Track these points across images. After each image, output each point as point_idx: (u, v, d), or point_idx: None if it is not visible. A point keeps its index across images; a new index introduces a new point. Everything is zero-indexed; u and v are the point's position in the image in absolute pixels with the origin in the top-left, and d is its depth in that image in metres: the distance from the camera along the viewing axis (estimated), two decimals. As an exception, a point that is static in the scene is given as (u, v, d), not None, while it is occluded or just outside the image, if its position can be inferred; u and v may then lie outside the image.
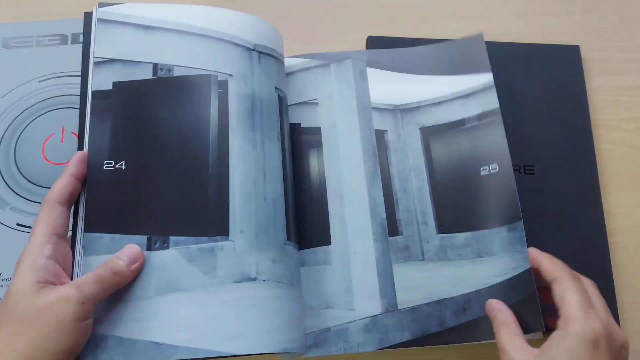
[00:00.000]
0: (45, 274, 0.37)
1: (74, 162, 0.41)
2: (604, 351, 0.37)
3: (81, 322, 0.36)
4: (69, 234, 0.41)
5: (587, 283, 0.43)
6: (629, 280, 0.53)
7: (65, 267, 0.39)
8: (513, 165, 0.54)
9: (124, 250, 0.40)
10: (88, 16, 0.45)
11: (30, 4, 0.61)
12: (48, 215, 0.39)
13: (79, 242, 0.40)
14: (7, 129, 0.54)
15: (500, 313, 0.43)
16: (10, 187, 0.52)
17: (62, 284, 0.37)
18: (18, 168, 0.52)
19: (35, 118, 0.54)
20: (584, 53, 0.61)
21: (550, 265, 0.43)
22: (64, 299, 0.35)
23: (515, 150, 0.55)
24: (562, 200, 0.54)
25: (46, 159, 0.53)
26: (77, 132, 0.43)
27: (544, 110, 0.58)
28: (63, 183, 0.40)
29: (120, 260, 0.39)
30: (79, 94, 0.43)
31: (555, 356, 0.37)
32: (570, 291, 0.40)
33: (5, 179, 0.52)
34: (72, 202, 0.41)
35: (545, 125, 0.57)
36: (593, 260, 0.52)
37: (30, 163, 0.53)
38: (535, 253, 0.45)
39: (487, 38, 0.61)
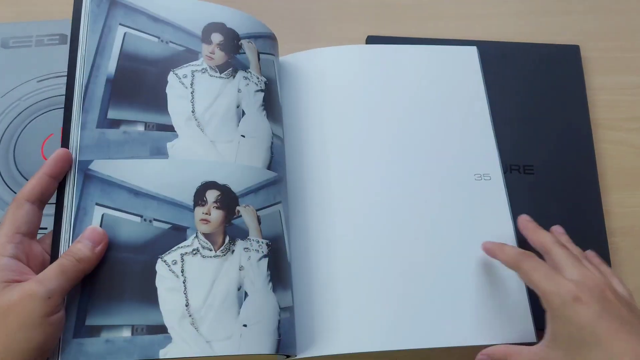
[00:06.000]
0: (8, 273, 0.36)
1: (51, 160, 0.40)
2: (590, 302, 0.39)
3: (49, 318, 0.35)
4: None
5: (548, 239, 0.45)
6: (629, 281, 0.52)
7: (30, 264, 0.38)
8: (512, 166, 0.55)
9: (85, 234, 0.38)
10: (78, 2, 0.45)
11: (30, 4, 0.61)
12: (13, 214, 0.38)
13: (63, 237, 0.40)
14: (7, 129, 0.54)
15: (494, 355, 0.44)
16: (9, 187, 0.51)
17: (27, 280, 0.36)
18: (17, 168, 0.52)
19: (35, 118, 0.54)
20: (584, 53, 0.61)
21: (505, 257, 0.45)
22: (28, 296, 0.35)
23: (515, 150, 0.56)
24: (562, 200, 0.54)
25: (45, 159, 0.52)
26: (62, 135, 0.42)
27: (543, 110, 0.58)
28: (35, 181, 0.39)
29: (82, 245, 0.38)
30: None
31: (557, 335, 0.40)
32: (532, 273, 0.42)
33: (4, 178, 0.52)
34: (43, 200, 0.40)
35: (544, 125, 0.57)
36: (593, 260, 0.52)
37: (29, 163, 0.52)
38: (487, 246, 0.47)
39: (487, 38, 0.61)
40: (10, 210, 0.39)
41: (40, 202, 0.40)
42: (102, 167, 0.41)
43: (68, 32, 0.57)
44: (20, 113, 0.54)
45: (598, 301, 0.39)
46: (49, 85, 0.55)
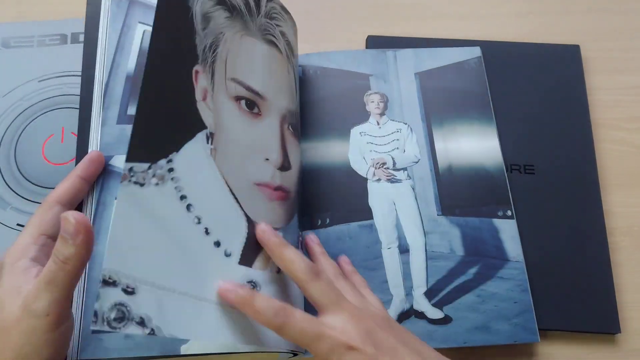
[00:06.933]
0: (22, 278, 0.34)
1: (84, 162, 0.40)
2: (363, 347, 0.35)
3: (54, 332, 0.33)
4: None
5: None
6: (629, 280, 0.53)
7: None
8: (513, 165, 0.55)
9: (63, 227, 0.33)
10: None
11: (31, 4, 0.61)
12: (42, 216, 0.38)
13: None
14: (8, 128, 0.54)
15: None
16: (10, 187, 0.52)
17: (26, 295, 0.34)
18: (18, 168, 0.52)
19: (36, 118, 0.54)
20: (584, 53, 0.61)
21: (261, 318, 0.37)
22: (26, 316, 0.33)
23: (515, 150, 0.56)
24: (562, 200, 0.54)
25: (46, 159, 0.53)
26: (77, 132, 0.42)
27: (544, 110, 0.58)
28: (67, 183, 0.39)
29: (61, 242, 0.33)
30: (79, 93, 0.43)
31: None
32: (300, 336, 0.36)
33: (5, 179, 0.52)
34: (74, 203, 0.39)
35: (545, 125, 0.57)
36: (593, 260, 0.52)
37: (30, 163, 0.53)
38: (225, 288, 0.38)
39: (487, 38, 0.61)
40: (39, 211, 0.38)
41: (70, 205, 0.39)
42: (122, 162, 0.41)
43: (69, 32, 0.58)
44: (21, 113, 0.54)
45: (369, 342, 0.35)
46: (50, 85, 0.55)
